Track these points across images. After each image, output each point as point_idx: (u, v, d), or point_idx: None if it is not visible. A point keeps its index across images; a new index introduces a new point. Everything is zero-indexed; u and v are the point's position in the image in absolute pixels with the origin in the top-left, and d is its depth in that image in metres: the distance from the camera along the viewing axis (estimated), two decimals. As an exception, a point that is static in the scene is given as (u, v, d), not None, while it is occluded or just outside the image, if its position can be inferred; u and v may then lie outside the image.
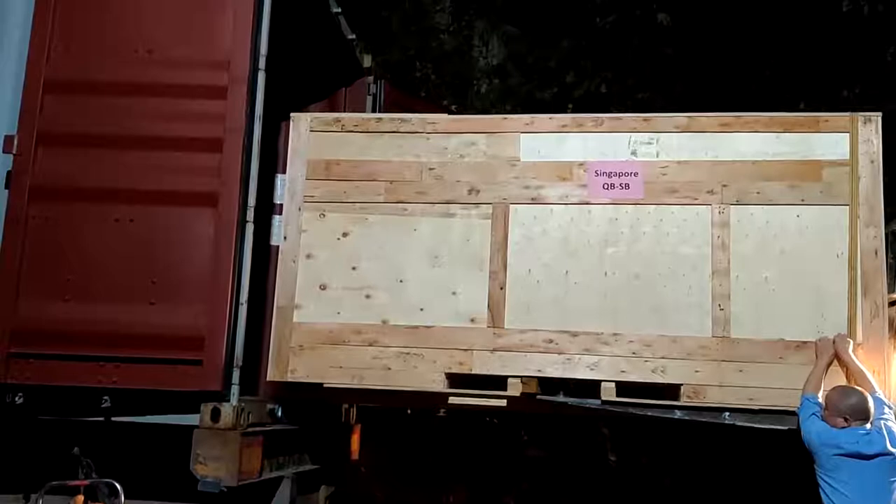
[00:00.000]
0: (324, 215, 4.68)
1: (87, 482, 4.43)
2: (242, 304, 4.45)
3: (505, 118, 4.83)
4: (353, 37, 6.33)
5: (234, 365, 4.40)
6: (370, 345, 4.53)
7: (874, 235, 4.33)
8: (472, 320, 4.49)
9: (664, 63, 10.40)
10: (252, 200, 4.53)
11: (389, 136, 4.74)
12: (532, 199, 4.58)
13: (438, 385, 4.48)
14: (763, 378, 4.26)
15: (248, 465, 4.38)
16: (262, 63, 4.63)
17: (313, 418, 5.66)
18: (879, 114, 4.45)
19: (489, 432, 9.64)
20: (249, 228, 4.51)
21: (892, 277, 4.79)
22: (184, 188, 4.52)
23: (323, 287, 4.61)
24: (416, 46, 11.28)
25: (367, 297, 4.59)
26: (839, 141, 4.43)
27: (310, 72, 6.22)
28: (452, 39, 11.45)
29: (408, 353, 4.50)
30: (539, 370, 4.42)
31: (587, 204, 4.54)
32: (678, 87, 9.92)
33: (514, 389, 4.41)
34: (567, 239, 4.52)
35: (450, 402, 4.56)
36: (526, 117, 4.76)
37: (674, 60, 10.37)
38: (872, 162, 4.39)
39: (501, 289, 4.50)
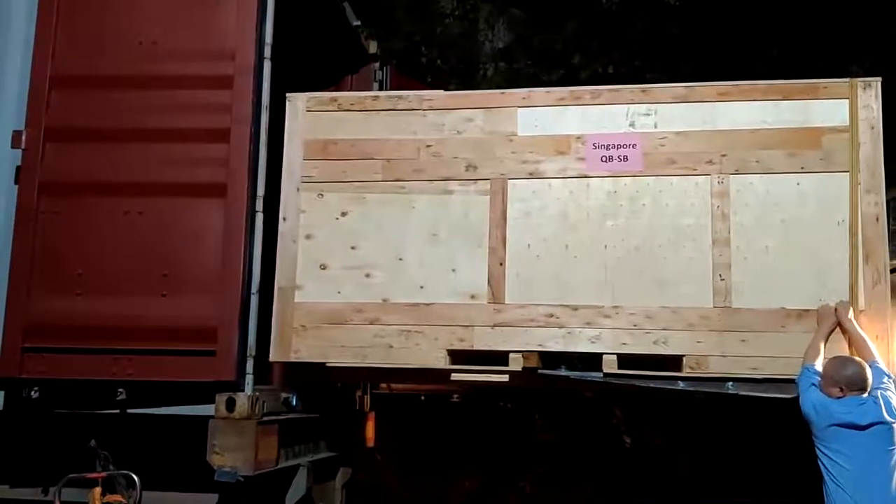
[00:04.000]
0: (322, 195, 4.67)
1: (104, 474, 4.44)
2: (254, 293, 4.44)
3: (502, 93, 4.79)
4: (359, 23, 6.31)
5: (248, 354, 4.39)
6: (371, 323, 4.53)
7: (875, 202, 4.30)
8: (473, 297, 4.49)
9: (671, 43, 10.32)
10: (261, 190, 4.52)
11: (386, 114, 4.72)
12: (530, 173, 4.56)
13: (440, 362, 4.48)
14: (765, 347, 4.25)
15: (264, 455, 4.39)
16: (267, 52, 4.60)
17: (328, 406, 5.68)
18: (879, 79, 4.42)
19: (503, 417, 9.65)
20: (259, 218, 4.50)
21: (893, 244, 4.74)
22: (192, 180, 4.52)
23: (323, 267, 4.61)
24: (422, 32, 11.23)
25: (368, 275, 4.58)
26: (839, 107, 4.40)
27: (315, 59, 6.20)
28: (458, 24, 11.39)
29: (409, 331, 4.50)
30: (540, 344, 4.41)
31: (586, 177, 4.52)
32: (685, 66, 9.85)
33: (516, 364, 4.41)
34: (566, 213, 4.51)
35: (452, 378, 4.57)
36: (523, 91, 4.73)
37: (680, 40, 10.29)
38: (873, 128, 4.36)
39: (501, 264, 4.49)
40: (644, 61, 10.53)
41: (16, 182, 4.58)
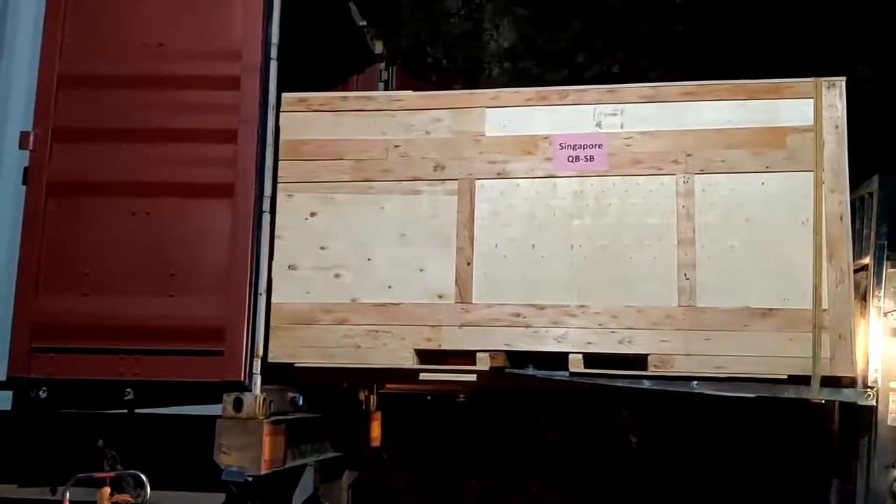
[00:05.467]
0: (292, 196, 4.68)
1: (112, 474, 4.46)
2: (261, 293, 4.44)
3: (470, 93, 4.85)
4: (364, 23, 6.31)
5: (255, 355, 4.40)
6: (340, 323, 4.55)
7: (839, 201, 4.31)
8: (440, 297, 4.51)
9: (676, 42, 10.31)
10: (268, 190, 4.53)
11: (356, 114, 4.74)
12: (498, 173, 4.58)
13: (408, 362, 4.50)
14: (729, 346, 4.27)
15: (271, 454, 4.40)
16: (273, 52, 4.61)
17: (334, 406, 5.69)
18: (843, 78, 4.43)
19: (509, 416, 9.65)
20: (266, 218, 4.50)
21: (857, 243, 4.76)
22: (199, 180, 4.52)
23: (292, 267, 4.63)
24: (427, 31, 11.21)
25: (337, 276, 4.60)
26: (803, 107, 4.41)
27: (321, 59, 6.21)
28: (463, 23, 11.38)
29: (377, 331, 4.52)
30: (507, 344, 4.44)
31: (553, 177, 4.54)
32: (690, 65, 9.84)
33: (483, 364, 4.44)
34: (533, 213, 4.53)
35: (420, 377, 4.62)
36: (491, 92, 4.77)
37: (685, 39, 10.28)
38: (837, 127, 4.37)
39: (468, 264, 4.51)
40: (649, 60, 10.51)
41: (23, 183, 4.59)
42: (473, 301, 4.49)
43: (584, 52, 10.90)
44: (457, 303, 4.50)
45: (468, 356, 4.48)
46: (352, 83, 6.49)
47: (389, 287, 4.56)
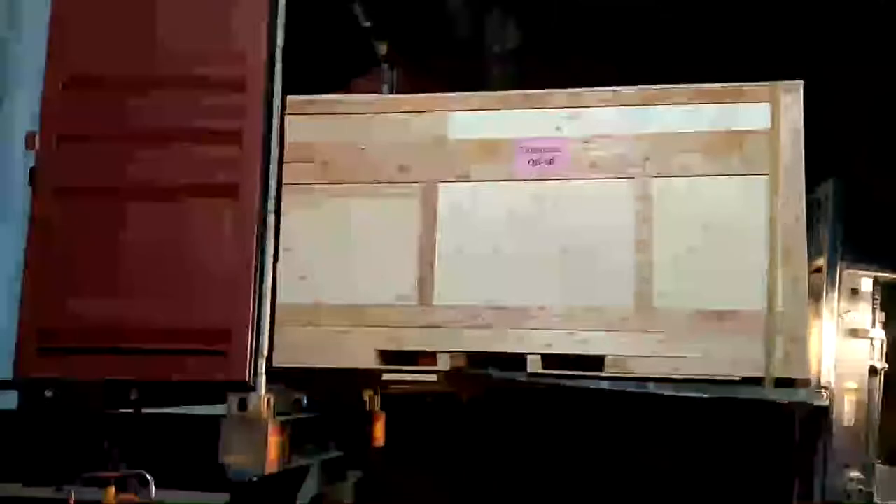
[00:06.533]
0: None
1: (118, 473, 4.49)
2: (266, 294, 4.47)
3: (435, 97, 4.86)
4: (369, 25, 6.32)
5: (260, 355, 4.42)
6: (304, 325, 4.60)
7: (795, 204, 4.34)
8: (403, 298, 4.56)
9: (677, 42, 10.31)
10: (273, 191, 4.55)
11: (323, 117, 4.79)
12: (460, 176, 4.62)
13: (371, 362, 4.55)
14: (685, 347, 4.31)
15: (276, 454, 4.43)
16: (278, 54, 4.63)
17: (338, 406, 5.71)
18: (801, 83, 4.46)
19: (512, 418, 9.66)
20: (271, 219, 4.53)
21: (813, 245, 4.79)
22: (205, 181, 4.56)
23: None
24: (431, 32, 11.22)
25: (302, 278, 4.64)
26: (761, 111, 4.44)
27: (326, 61, 6.22)
28: (466, 25, 11.38)
29: (341, 332, 4.57)
30: (467, 345, 4.50)
31: (514, 180, 4.58)
32: (692, 66, 9.83)
33: (444, 364, 4.50)
34: (495, 215, 4.57)
35: (383, 378, 4.75)
36: (455, 95, 4.80)
37: (687, 39, 10.28)
38: (794, 131, 4.39)
39: (430, 266, 4.56)
40: (651, 61, 10.51)
41: (30, 184, 4.61)
42: (435, 303, 4.54)
43: (585, 53, 10.88)
44: (419, 304, 4.55)
45: (430, 357, 4.54)
46: (356, 85, 6.50)
47: (353, 289, 4.61)
